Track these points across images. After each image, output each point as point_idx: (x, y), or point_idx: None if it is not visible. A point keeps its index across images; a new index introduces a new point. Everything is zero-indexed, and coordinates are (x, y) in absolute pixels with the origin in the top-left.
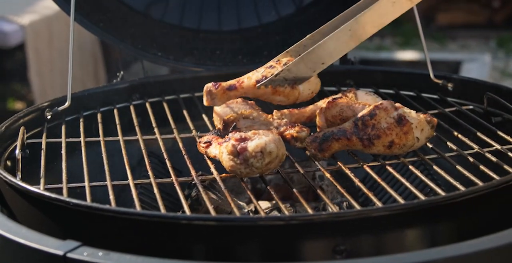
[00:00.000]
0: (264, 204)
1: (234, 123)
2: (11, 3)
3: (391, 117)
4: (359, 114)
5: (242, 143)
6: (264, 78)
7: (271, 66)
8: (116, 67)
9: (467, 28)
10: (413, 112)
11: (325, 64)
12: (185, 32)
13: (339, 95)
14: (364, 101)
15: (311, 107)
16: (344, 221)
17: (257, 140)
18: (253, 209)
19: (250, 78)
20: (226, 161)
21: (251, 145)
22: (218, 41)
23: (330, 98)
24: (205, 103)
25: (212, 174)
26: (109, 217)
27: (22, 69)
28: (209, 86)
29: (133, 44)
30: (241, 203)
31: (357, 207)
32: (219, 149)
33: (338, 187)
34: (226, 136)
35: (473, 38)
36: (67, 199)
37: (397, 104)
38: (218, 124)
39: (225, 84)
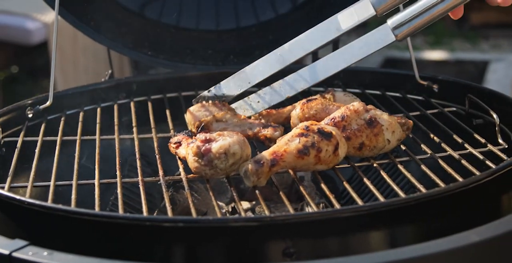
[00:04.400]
0: (244, 205)
1: (202, 124)
2: (34, 1)
3: (361, 119)
4: (331, 116)
5: (207, 145)
6: (304, 147)
7: (302, 134)
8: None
9: (500, 28)
10: (385, 114)
11: (251, 83)
12: (180, 32)
13: (317, 96)
14: (342, 102)
15: (289, 108)
16: (292, 223)
17: (221, 141)
18: (230, 210)
19: (288, 150)
20: (191, 162)
21: (215, 147)
22: (211, 40)
23: (305, 100)
24: (250, 185)
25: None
26: (62, 217)
27: (48, 66)
28: (252, 167)
29: (123, 43)
30: (220, 203)
31: (315, 209)
32: (186, 150)
33: (301, 188)
34: (194, 137)
35: (506, 38)
36: (22, 198)
37: (369, 106)
38: (192, 127)
39: (266, 160)
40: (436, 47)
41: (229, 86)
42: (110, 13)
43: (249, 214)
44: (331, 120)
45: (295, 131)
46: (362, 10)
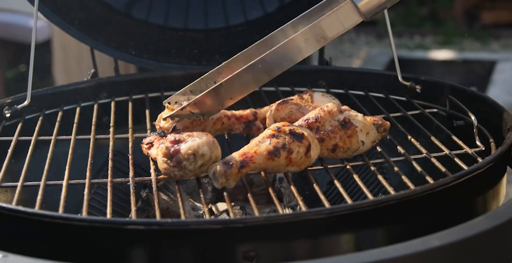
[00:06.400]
0: (223, 206)
1: (174, 125)
2: None
3: (335, 120)
4: (305, 117)
5: (176, 146)
6: (275, 149)
7: (274, 135)
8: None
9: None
10: (359, 115)
11: (234, 99)
12: (167, 31)
13: (295, 96)
14: (320, 103)
15: (266, 108)
16: (251, 226)
17: (190, 142)
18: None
19: (258, 151)
20: (160, 163)
21: (183, 148)
22: (198, 40)
23: (281, 100)
24: (219, 186)
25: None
26: (22, 219)
27: (54, 65)
28: (221, 168)
29: (106, 43)
30: (198, 204)
31: (280, 211)
32: (156, 151)
33: (271, 190)
34: (164, 137)
35: None
36: None
37: (344, 107)
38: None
39: (236, 162)
40: (446, 47)
41: (208, 103)
42: (96, 12)
43: (224, 215)
44: (304, 121)
45: (266, 132)
46: (347, 15)
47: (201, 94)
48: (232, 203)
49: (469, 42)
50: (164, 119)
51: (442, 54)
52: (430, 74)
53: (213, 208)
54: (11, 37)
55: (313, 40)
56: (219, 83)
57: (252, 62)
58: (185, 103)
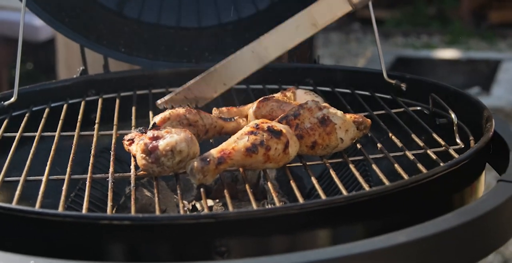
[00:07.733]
0: (209, 203)
1: (154, 121)
2: None
3: (314, 117)
4: (284, 114)
5: (154, 142)
6: (253, 145)
7: (252, 132)
8: None
9: None
10: (339, 113)
11: (227, 85)
12: (158, 29)
13: (278, 94)
14: (303, 100)
15: (249, 105)
16: (221, 222)
17: (168, 138)
18: (190, 207)
19: (236, 148)
20: (139, 159)
21: (161, 144)
22: (189, 37)
23: (262, 98)
24: (196, 182)
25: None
26: None
27: (56, 63)
28: (198, 164)
29: (97, 41)
30: (184, 201)
31: (255, 207)
32: (136, 147)
33: (247, 187)
34: (144, 134)
35: None
36: None
37: (324, 104)
38: None
39: (213, 158)
40: (453, 46)
41: (201, 88)
42: (87, 10)
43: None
44: (284, 118)
45: (245, 129)
46: (337, 3)
47: (195, 79)
48: (217, 200)
49: (475, 42)
50: (163, 106)
51: (447, 54)
52: (435, 73)
53: (197, 205)
54: (16, 35)
55: (304, 27)
56: (213, 68)
57: (244, 48)
58: (178, 89)
